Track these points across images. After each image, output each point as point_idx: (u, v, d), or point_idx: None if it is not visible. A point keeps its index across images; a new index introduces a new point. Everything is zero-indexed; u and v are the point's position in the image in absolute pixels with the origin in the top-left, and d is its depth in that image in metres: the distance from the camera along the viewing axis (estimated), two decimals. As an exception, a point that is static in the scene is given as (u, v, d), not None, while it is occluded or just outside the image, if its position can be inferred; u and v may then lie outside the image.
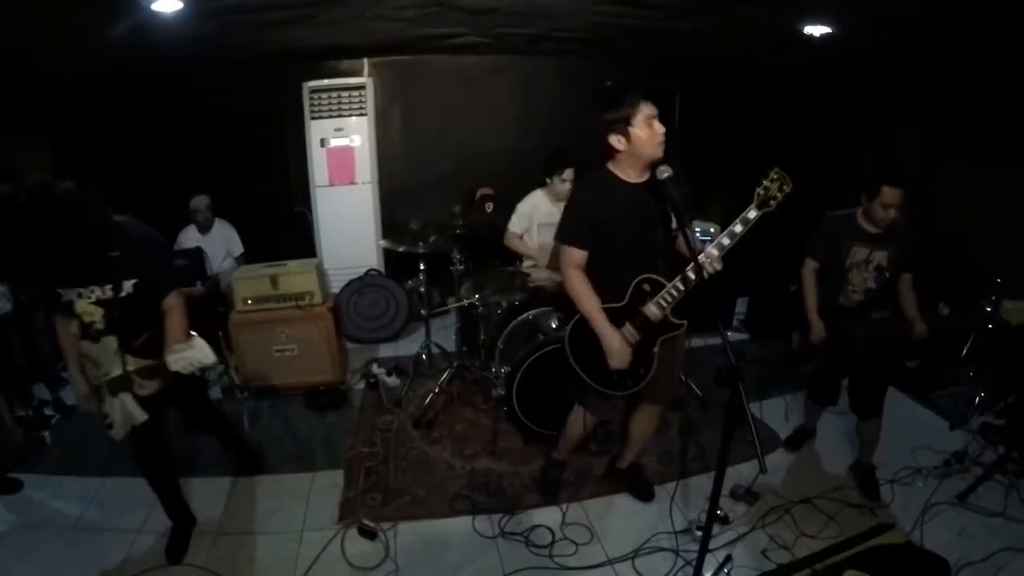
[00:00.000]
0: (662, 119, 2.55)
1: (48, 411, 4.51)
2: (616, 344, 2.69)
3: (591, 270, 2.76)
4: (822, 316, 3.38)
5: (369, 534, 3.17)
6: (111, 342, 2.64)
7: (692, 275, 2.58)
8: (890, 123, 5.21)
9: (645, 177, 2.67)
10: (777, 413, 4.02)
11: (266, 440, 4.16)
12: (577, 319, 2.82)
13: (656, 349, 2.79)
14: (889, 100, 5.26)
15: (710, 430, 3.94)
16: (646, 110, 2.51)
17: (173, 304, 2.77)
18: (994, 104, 4.42)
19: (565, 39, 5.29)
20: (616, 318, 2.72)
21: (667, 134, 2.57)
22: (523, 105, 6.31)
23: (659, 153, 2.58)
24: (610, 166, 2.70)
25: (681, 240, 2.83)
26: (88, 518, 3.42)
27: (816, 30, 4.27)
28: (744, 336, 5.38)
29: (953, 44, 4.14)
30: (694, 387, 4.32)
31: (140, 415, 2.70)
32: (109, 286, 2.64)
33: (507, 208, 4.73)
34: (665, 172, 2.47)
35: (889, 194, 3.09)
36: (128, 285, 2.65)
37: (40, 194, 2.41)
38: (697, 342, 4.26)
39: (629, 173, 2.67)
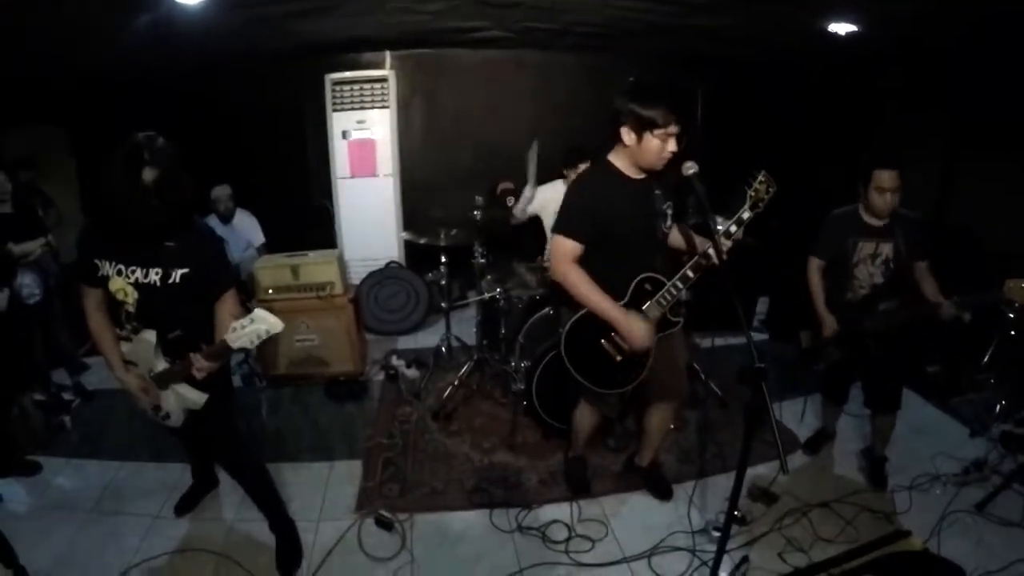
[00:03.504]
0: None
1: (67, 396, 4.59)
2: (637, 327, 2.65)
3: (588, 267, 2.69)
4: (830, 313, 3.38)
5: (386, 525, 3.19)
6: (149, 337, 2.55)
7: (691, 273, 2.63)
8: (911, 118, 5.17)
9: (643, 175, 2.66)
10: (795, 415, 4.01)
11: (285, 429, 4.22)
12: (573, 322, 2.78)
13: (651, 346, 2.78)
14: (911, 94, 5.21)
15: (729, 430, 3.94)
16: (672, 128, 2.47)
17: (228, 296, 2.63)
18: (1014, 97, 4.37)
19: (587, 34, 5.30)
20: None
21: (690, 131, 2.57)
22: (544, 100, 6.32)
23: (658, 167, 2.59)
24: (612, 158, 2.68)
25: (674, 235, 2.89)
26: (106, 502, 3.47)
27: (841, 28, 4.24)
28: (764, 336, 5.40)
29: (975, 38, 4.10)
30: (714, 386, 4.32)
31: (200, 398, 2.63)
32: (156, 271, 2.47)
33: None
34: (691, 168, 2.46)
35: (881, 177, 3.07)
36: (177, 274, 2.48)
37: (148, 143, 2.29)
38: (717, 342, 4.29)
39: (630, 169, 2.65)
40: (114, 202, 2.36)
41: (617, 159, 2.67)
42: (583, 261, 2.69)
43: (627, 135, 2.55)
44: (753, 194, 2.48)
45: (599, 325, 2.71)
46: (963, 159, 4.89)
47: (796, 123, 6.20)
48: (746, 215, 2.52)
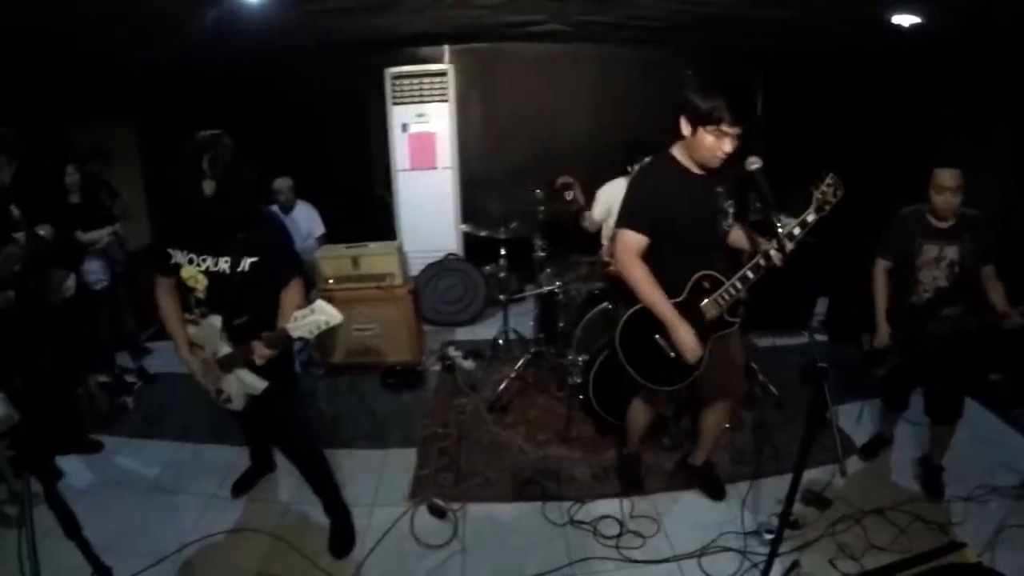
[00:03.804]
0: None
1: (130, 378, 4.82)
2: (690, 338, 2.66)
3: (648, 262, 2.68)
4: (892, 317, 3.32)
5: (439, 513, 3.27)
6: (215, 322, 2.63)
7: (751, 274, 2.58)
8: (981, 116, 4.98)
9: (705, 171, 2.62)
10: (852, 419, 3.95)
11: (342, 416, 4.33)
12: (631, 314, 2.79)
13: (707, 345, 2.77)
14: (977, 90, 5.02)
15: (785, 431, 3.89)
16: (726, 126, 2.44)
17: (294, 284, 2.71)
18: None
19: (644, 28, 5.24)
20: None
21: (750, 127, 2.53)
22: (601, 94, 6.30)
23: (711, 164, 2.55)
24: (674, 151, 2.67)
25: (735, 234, 2.82)
26: (164, 480, 3.63)
27: (904, 20, 4.11)
28: (823, 338, 5.29)
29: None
30: (771, 388, 4.26)
31: (259, 383, 2.70)
32: (226, 259, 2.55)
33: (587, 195, 4.77)
34: (755, 163, 2.45)
35: (942, 176, 2.99)
36: (246, 263, 2.55)
37: (208, 139, 2.41)
38: (776, 342, 4.25)
39: (690, 164, 2.63)
40: (179, 210, 2.53)
41: (678, 153, 2.66)
42: (646, 255, 2.69)
43: (684, 126, 2.54)
44: (820, 196, 2.42)
45: (655, 321, 2.70)
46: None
47: (857, 120, 6.03)
48: (811, 217, 2.46)
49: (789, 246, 2.45)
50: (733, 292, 2.66)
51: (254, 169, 2.51)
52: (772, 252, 2.49)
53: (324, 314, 2.44)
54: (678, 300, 2.71)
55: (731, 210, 2.72)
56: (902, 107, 5.78)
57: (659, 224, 2.64)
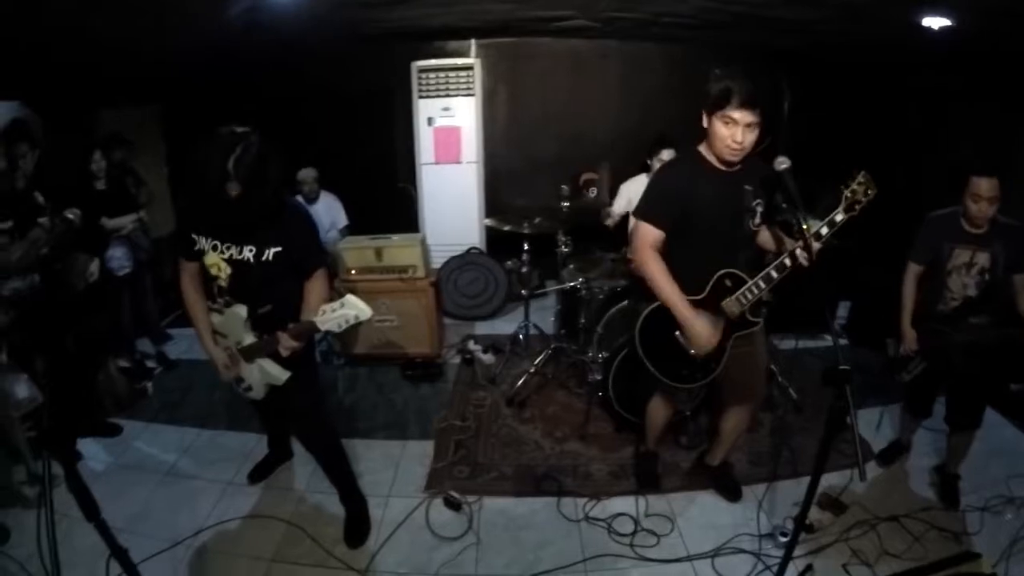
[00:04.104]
0: (752, 98, 2.40)
1: (151, 363, 4.92)
2: (702, 330, 2.64)
3: (669, 256, 2.66)
4: (918, 323, 3.27)
5: (454, 505, 3.30)
6: (240, 311, 2.64)
7: (775, 273, 2.53)
8: (1013, 120, 4.90)
9: (733, 168, 2.59)
10: (871, 424, 3.93)
11: (360, 406, 4.38)
12: (650, 311, 2.77)
13: (728, 344, 2.76)
14: (1008, 99, 4.94)
15: (803, 435, 3.87)
16: (734, 111, 2.40)
17: (319, 275, 2.71)
18: None
19: (672, 24, 5.22)
20: None
21: (774, 127, 2.50)
22: (628, 91, 6.29)
23: (728, 156, 2.51)
24: (700, 147, 2.64)
25: (764, 235, 2.79)
26: (182, 466, 3.70)
27: (935, 22, 4.05)
28: (844, 342, 5.21)
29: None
30: (791, 390, 4.22)
31: (282, 374, 2.71)
32: (251, 248, 2.55)
33: (611, 192, 4.77)
34: (783, 163, 2.39)
35: (979, 185, 2.93)
36: (271, 252, 2.55)
37: (235, 138, 2.41)
38: (797, 344, 4.23)
39: (714, 159, 2.59)
40: (203, 205, 2.56)
41: (704, 149, 2.63)
42: (666, 250, 2.67)
43: (704, 119, 2.53)
44: (850, 195, 2.35)
45: (675, 317, 2.67)
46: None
47: (885, 122, 5.97)
48: (839, 217, 2.39)
49: (816, 246, 2.39)
50: (756, 291, 2.62)
51: (281, 166, 2.50)
52: (798, 251, 2.42)
53: (354, 308, 2.44)
54: (698, 297, 2.69)
55: (760, 209, 2.67)
56: (931, 110, 5.71)
57: (678, 218, 2.62)
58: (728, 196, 2.60)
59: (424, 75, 6.10)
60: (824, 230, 2.43)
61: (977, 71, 5.02)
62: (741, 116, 2.41)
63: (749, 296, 2.65)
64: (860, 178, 2.35)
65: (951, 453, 3.38)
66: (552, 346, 4.65)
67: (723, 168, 2.60)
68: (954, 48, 4.53)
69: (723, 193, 2.60)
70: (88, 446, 3.84)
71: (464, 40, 6.20)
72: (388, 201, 6.50)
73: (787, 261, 2.50)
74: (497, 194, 6.39)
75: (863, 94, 6.03)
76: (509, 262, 5.24)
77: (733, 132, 2.44)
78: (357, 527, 3.13)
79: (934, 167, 4.84)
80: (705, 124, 2.53)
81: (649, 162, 4.42)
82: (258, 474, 3.56)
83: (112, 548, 2.03)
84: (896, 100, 5.96)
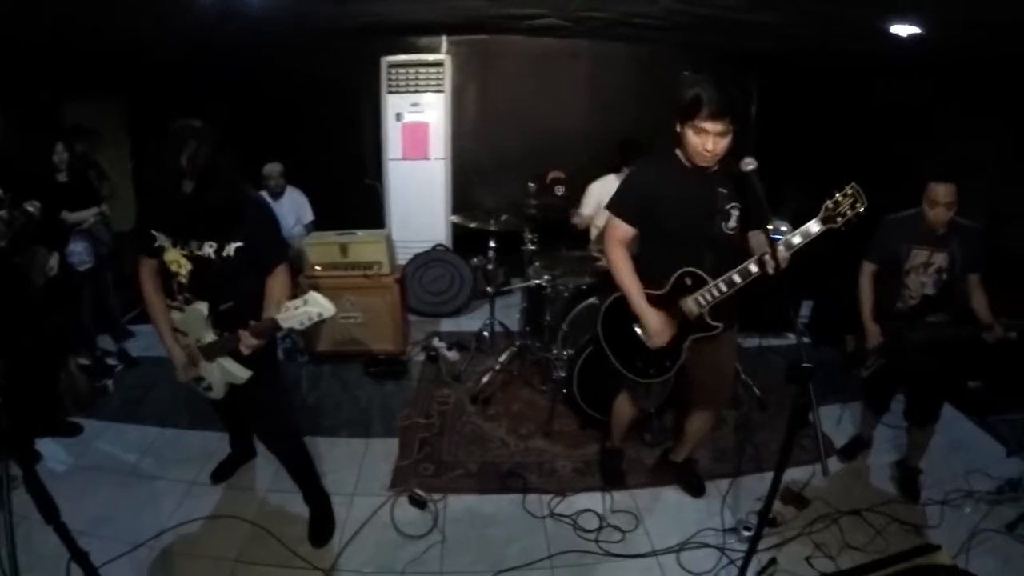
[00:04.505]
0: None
1: (111, 361, 4.78)
2: (655, 323, 2.66)
3: (638, 251, 2.72)
4: (877, 321, 3.33)
5: (419, 503, 3.26)
6: (201, 308, 2.59)
7: (739, 278, 2.52)
8: (972, 128, 5.04)
9: (709, 170, 2.57)
10: (832, 421, 3.99)
11: (324, 404, 4.32)
12: (613, 300, 2.82)
13: (686, 345, 2.76)
14: (972, 102, 5.08)
15: (766, 431, 3.92)
16: (703, 123, 2.40)
17: (280, 270, 2.67)
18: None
19: (642, 26, 5.25)
20: (652, 305, 2.69)
21: (743, 131, 2.50)
22: (597, 90, 6.31)
23: (700, 163, 2.53)
24: (678, 150, 2.64)
25: (757, 241, 2.71)
26: (144, 466, 3.60)
27: (903, 29, 4.14)
28: (808, 340, 5.20)
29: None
30: (754, 388, 4.28)
31: (243, 373, 2.67)
32: (211, 244, 2.51)
33: (577, 191, 4.76)
34: (750, 164, 2.35)
35: (936, 191, 3.00)
36: (232, 248, 2.51)
37: (187, 133, 2.35)
38: (761, 343, 4.27)
39: (687, 161, 2.59)
40: (159, 201, 2.50)
41: (679, 150, 2.63)
42: (637, 245, 2.72)
43: (677, 123, 2.53)
44: (831, 206, 2.30)
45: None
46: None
47: (849, 126, 6.07)
48: (814, 228, 2.35)
49: (784, 254, 2.36)
50: (716, 293, 2.59)
51: (234, 163, 2.44)
52: (766, 259, 2.35)
53: (317, 306, 2.39)
54: (659, 293, 2.70)
55: (735, 212, 2.64)
56: (895, 115, 5.84)
57: (648, 215, 2.65)
58: (699, 197, 2.60)
59: (394, 70, 6.06)
60: (797, 239, 2.40)
61: (944, 77, 5.14)
62: (712, 126, 2.41)
63: (708, 297, 2.63)
64: (847, 190, 2.29)
65: (911, 447, 3.45)
66: (517, 343, 4.64)
67: (696, 170, 2.60)
68: (922, 55, 4.63)
69: (694, 194, 2.60)
70: (47, 446, 3.73)
71: (435, 36, 6.17)
72: (354, 197, 6.44)
73: (752, 267, 2.49)
74: (464, 191, 6.37)
75: (832, 98, 6.13)
76: (475, 259, 5.20)
77: (704, 140, 2.45)
78: (321, 526, 3.08)
79: (897, 171, 4.93)
80: (678, 128, 2.54)
81: (624, 169, 4.41)
82: (221, 474, 3.48)
83: (72, 552, 1.97)
84: (864, 105, 6.08)
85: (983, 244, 3.17)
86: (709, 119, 2.39)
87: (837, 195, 2.30)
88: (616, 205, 2.73)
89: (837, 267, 3.82)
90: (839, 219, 2.31)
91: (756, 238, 2.70)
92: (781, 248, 2.38)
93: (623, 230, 2.69)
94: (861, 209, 2.28)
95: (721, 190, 2.61)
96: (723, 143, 2.46)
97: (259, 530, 3.06)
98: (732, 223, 2.65)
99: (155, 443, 3.82)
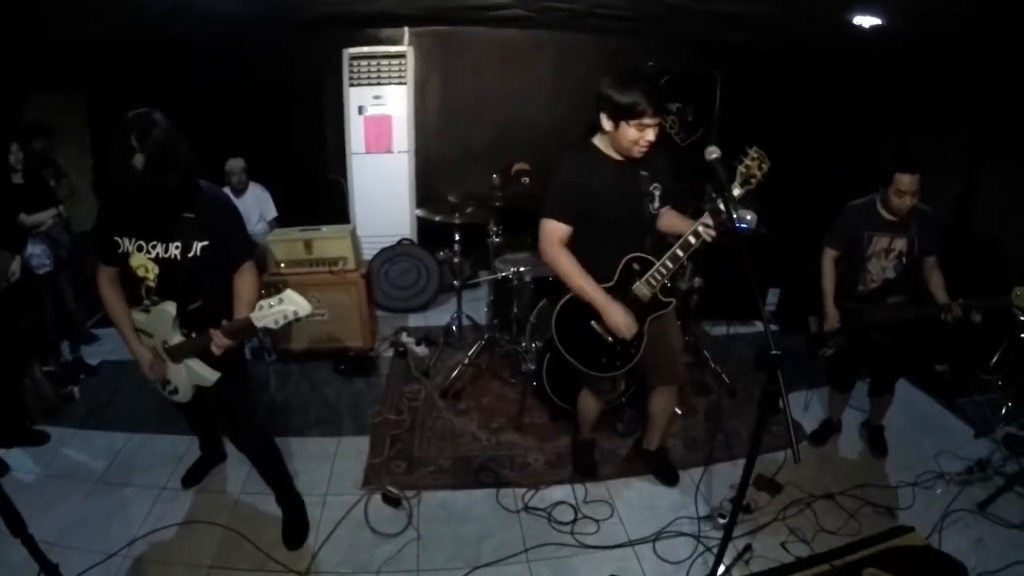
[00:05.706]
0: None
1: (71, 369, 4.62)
2: (620, 316, 2.68)
3: (576, 248, 2.71)
4: (839, 304, 3.42)
5: (393, 501, 3.23)
6: (168, 309, 2.52)
7: (681, 252, 2.62)
8: (934, 118, 5.13)
9: (627, 158, 2.64)
10: (800, 406, 4.05)
11: (293, 403, 4.26)
12: (562, 304, 2.81)
13: (645, 328, 2.80)
14: (935, 96, 5.17)
15: (737, 419, 3.97)
16: (647, 119, 2.47)
17: (247, 268, 2.62)
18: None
19: (609, 16, 5.24)
20: None
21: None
22: (562, 81, 6.25)
23: (634, 155, 2.58)
24: (595, 141, 2.69)
25: (668, 219, 2.87)
26: (113, 472, 3.51)
27: (865, 21, 4.19)
28: (774, 328, 5.33)
29: (1003, 38, 4.05)
30: (723, 375, 4.33)
31: (211, 375, 2.59)
32: (176, 244, 2.44)
33: (543, 181, 4.73)
34: (714, 153, 2.42)
35: (903, 181, 3.08)
36: (198, 247, 2.44)
37: (138, 115, 2.27)
38: (729, 331, 4.31)
39: (612, 152, 2.66)
40: (115, 191, 2.42)
41: (600, 142, 2.68)
42: (573, 243, 2.71)
43: (605, 121, 2.57)
44: (744, 170, 2.46)
45: (588, 307, 2.73)
46: (987, 163, 4.85)
47: (814, 115, 6.16)
48: (737, 191, 2.49)
49: (707, 222, 2.54)
50: (664, 272, 2.69)
51: (188, 143, 2.34)
52: (701, 228, 2.55)
53: (293, 304, 2.32)
54: (609, 285, 2.73)
55: (657, 192, 2.74)
56: (858, 105, 5.92)
57: (584, 210, 2.66)
58: (627, 184, 2.67)
59: (356, 63, 5.96)
60: (722, 204, 2.47)
61: (908, 69, 5.22)
62: (653, 121, 2.50)
63: (658, 277, 2.71)
64: (753, 153, 2.47)
65: (874, 409, 3.66)
66: (485, 336, 4.62)
67: (619, 158, 2.66)
68: (884, 46, 4.70)
69: (622, 182, 2.66)
70: (14, 456, 3.61)
71: (397, 28, 6.05)
72: (318, 192, 6.33)
73: (691, 239, 2.59)
74: (429, 184, 6.28)
75: (797, 87, 6.21)
76: (441, 253, 5.15)
77: (644, 134, 2.51)
78: (295, 528, 3.03)
79: (860, 160, 5.01)
80: (608, 127, 2.57)
81: None
82: (192, 478, 3.40)
83: (41, 565, 1.90)
84: (829, 94, 6.17)
85: (939, 227, 3.30)
86: (653, 116, 2.48)
87: (746, 160, 2.47)
88: (554, 208, 2.70)
89: (801, 251, 3.88)
90: (752, 180, 2.49)
91: (666, 215, 2.85)
92: (708, 216, 2.56)
93: (562, 231, 2.69)
94: (766, 168, 2.47)
95: (643, 173, 2.69)
96: (656, 132, 2.55)
97: (233, 534, 3.01)
98: (656, 203, 2.76)
99: (124, 449, 3.73)
